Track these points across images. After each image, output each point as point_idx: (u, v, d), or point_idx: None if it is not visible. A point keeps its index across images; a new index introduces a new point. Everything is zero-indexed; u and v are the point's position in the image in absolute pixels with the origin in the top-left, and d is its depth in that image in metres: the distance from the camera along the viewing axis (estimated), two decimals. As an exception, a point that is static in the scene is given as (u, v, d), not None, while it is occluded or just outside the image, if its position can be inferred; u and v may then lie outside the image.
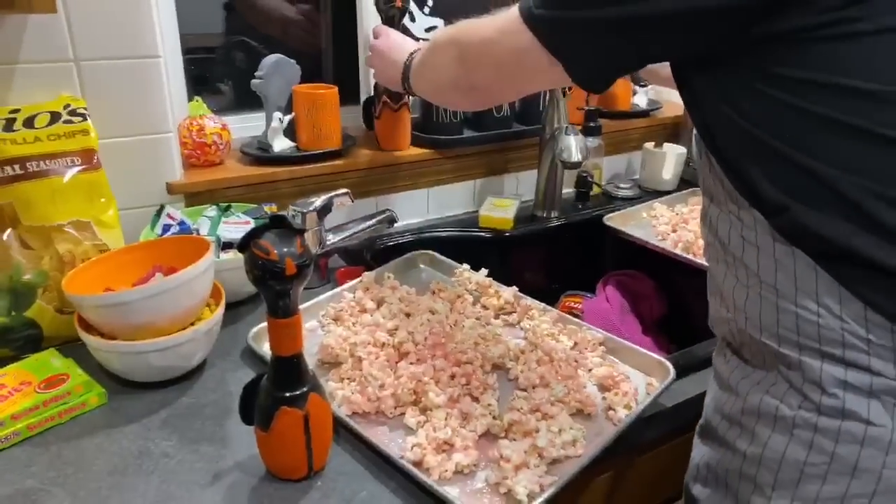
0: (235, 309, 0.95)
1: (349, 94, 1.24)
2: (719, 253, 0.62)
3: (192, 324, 0.80)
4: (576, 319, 0.93)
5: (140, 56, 0.95)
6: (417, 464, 0.66)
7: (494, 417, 0.73)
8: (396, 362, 0.81)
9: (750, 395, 0.60)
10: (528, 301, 0.97)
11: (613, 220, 1.31)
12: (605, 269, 1.32)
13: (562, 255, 1.37)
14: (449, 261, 1.08)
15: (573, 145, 1.17)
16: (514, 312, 0.96)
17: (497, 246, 1.29)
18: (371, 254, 1.16)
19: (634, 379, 0.82)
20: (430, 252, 1.10)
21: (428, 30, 1.28)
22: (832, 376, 0.54)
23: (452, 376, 0.79)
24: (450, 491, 0.64)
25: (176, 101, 1.07)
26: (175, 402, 0.77)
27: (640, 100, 1.63)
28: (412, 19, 1.25)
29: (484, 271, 1.03)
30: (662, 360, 0.82)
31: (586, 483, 0.79)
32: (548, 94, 1.28)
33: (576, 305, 1.22)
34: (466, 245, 1.27)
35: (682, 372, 0.82)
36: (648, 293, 1.31)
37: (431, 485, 0.63)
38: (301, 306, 0.64)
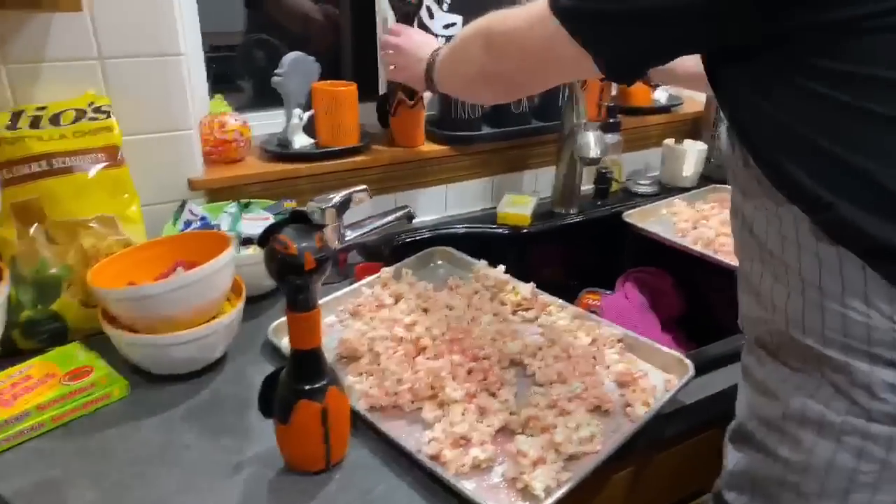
0: (256, 303, 0.96)
1: (368, 91, 1.25)
2: (754, 251, 0.60)
3: (214, 317, 0.80)
4: (594, 316, 0.92)
5: (163, 54, 0.96)
6: (434, 458, 0.67)
7: (511, 413, 0.73)
8: (414, 357, 0.81)
9: (791, 400, 0.57)
10: (546, 297, 0.97)
11: (633, 216, 1.30)
12: (625, 266, 1.32)
13: (580, 251, 1.37)
14: (467, 257, 1.08)
15: (592, 141, 1.16)
16: (532, 309, 0.96)
17: (515, 242, 1.29)
18: (389, 250, 1.16)
19: (653, 376, 0.81)
20: (448, 248, 1.11)
21: (447, 26, 1.27)
22: (882, 380, 0.52)
23: (470, 371, 0.79)
24: (466, 485, 0.64)
25: (197, 98, 1.08)
26: (196, 394, 0.78)
27: (661, 96, 1.62)
28: (430, 16, 1.25)
29: (501, 268, 1.03)
30: (681, 356, 0.82)
31: (604, 479, 0.78)
32: (567, 90, 1.27)
33: (594, 302, 1.22)
34: (484, 241, 1.27)
35: (701, 369, 0.81)
36: (668, 290, 1.30)
37: (448, 479, 0.64)
38: (320, 301, 0.65)
